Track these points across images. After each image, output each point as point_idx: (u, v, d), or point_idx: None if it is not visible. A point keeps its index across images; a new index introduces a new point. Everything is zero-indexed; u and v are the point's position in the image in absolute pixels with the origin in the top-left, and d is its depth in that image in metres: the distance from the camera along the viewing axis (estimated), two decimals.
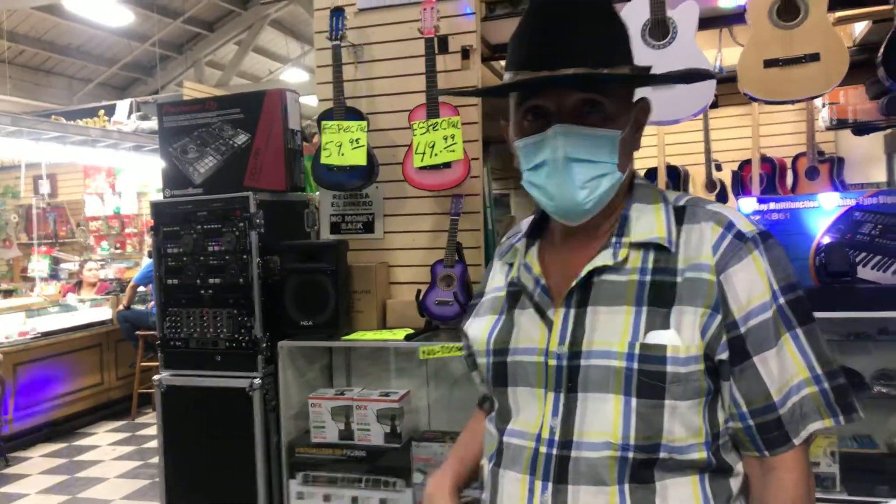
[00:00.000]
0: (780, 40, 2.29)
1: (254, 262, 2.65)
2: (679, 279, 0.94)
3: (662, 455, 0.91)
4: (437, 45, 2.63)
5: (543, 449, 0.95)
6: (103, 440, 5.35)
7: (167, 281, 2.80)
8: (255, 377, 2.65)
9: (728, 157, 4.24)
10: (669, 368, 0.90)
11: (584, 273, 0.97)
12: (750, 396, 0.92)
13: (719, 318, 0.91)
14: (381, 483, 2.51)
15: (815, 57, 2.26)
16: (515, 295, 1.07)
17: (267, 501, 2.67)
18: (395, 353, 2.77)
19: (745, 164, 4.04)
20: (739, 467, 0.96)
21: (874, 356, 2.35)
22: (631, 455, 0.91)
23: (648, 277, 0.95)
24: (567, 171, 0.95)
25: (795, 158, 4.03)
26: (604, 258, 0.97)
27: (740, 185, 4.05)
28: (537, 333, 1.00)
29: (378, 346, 2.69)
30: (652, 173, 4.09)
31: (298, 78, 12.81)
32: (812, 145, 3.89)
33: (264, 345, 2.66)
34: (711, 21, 2.79)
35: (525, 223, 1.14)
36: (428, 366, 2.72)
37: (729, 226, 0.95)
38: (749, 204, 2.43)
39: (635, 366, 0.91)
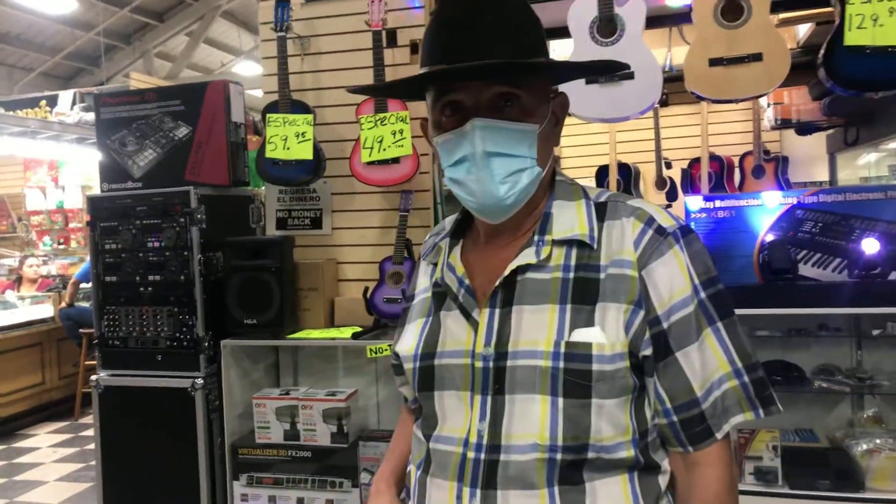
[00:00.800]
0: (725, 40, 2.31)
1: (195, 259, 2.57)
2: (602, 275, 0.93)
3: (591, 455, 0.90)
4: (385, 38, 2.59)
5: (471, 454, 0.93)
6: (44, 442, 5.16)
7: (105, 278, 2.70)
8: (197, 377, 2.57)
9: (678, 155, 4.30)
10: (595, 367, 0.89)
11: (507, 272, 0.95)
12: (673, 392, 0.92)
13: (642, 313, 0.91)
14: (327, 483, 2.46)
15: (757, 57, 2.28)
16: (441, 296, 1.05)
17: (212, 503, 2.60)
18: (342, 351, 2.73)
19: (695, 162, 4.10)
20: (666, 464, 0.96)
21: (814, 352, 2.39)
22: (559, 456, 0.90)
23: (572, 275, 0.94)
24: (486, 166, 0.93)
25: (742, 157, 4.10)
26: (526, 256, 0.95)
27: (690, 182, 4.11)
28: (463, 335, 0.98)
29: (325, 345, 2.64)
30: (603, 171, 4.12)
31: (252, 71, 12.58)
32: (758, 144, 3.96)
33: (206, 344, 2.58)
34: (659, 20, 2.80)
35: (449, 221, 1.13)
36: (377, 364, 2.68)
37: (649, 221, 0.95)
38: (696, 202, 2.45)
39: (561, 364, 0.90)
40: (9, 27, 10.21)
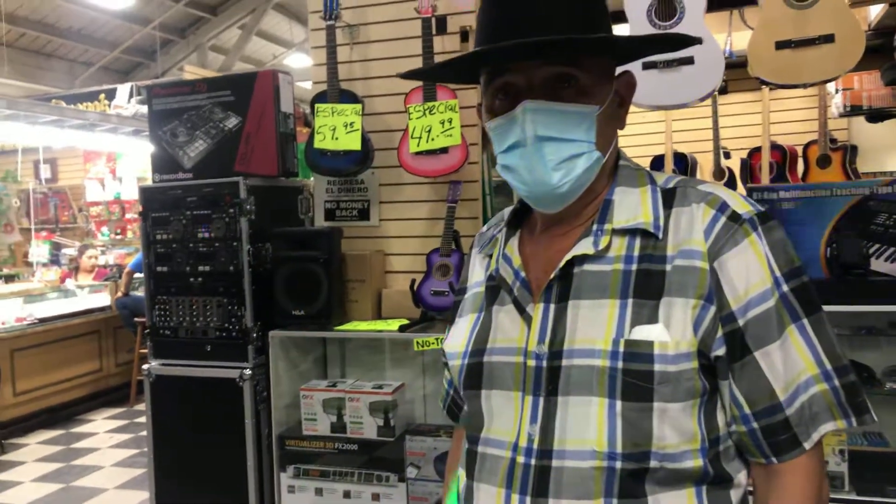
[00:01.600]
0: (793, 21, 2.19)
1: (244, 250, 2.57)
2: (668, 267, 0.85)
3: (653, 464, 0.83)
4: (435, 25, 2.54)
5: (521, 459, 0.87)
6: (101, 427, 5.31)
7: (156, 268, 2.73)
8: (245, 367, 2.58)
9: (737, 144, 4.14)
10: (657, 367, 0.82)
11: (562, 263, 0.89)
12: (753, 396, 0.83)
13: (713, 309, 0.83)
14: (373, 477, 2.44)
15: (829, 38, 2.16)
16: (494, 290, 0.98)
17: (258, 494, 2.61)
18: (389, 343, 2.70)
19: (755, 151, 3.93)
20: (741, 477, 0.87)
21: (885, 351, 2.26)
22: (619, 465, 0.82)
23: (634, 266, 0.86)
24: (538, 152, 0.87)
25: (807, 146, 3.91)
26: (583, 247, 0.89)
27: (749, 173, 3.95)
28: (516, 331, 0.92)
29: (372, 337, 2.62)
30: (658, 160, 4.00)
31: (303, 63, 12.69)
32: (824, 132, 3.77)
33: (255, 335, 2.59)
34: (721, 2, 2.68)
35: (507, 212, 1.06)
36: (424, 357, 2.65)
37: (722, 207, 0.86)
38: (756, 193, 2.33)
39: (620, 364, 0.83)
40: (71, 22, 10.52)
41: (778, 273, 0.83)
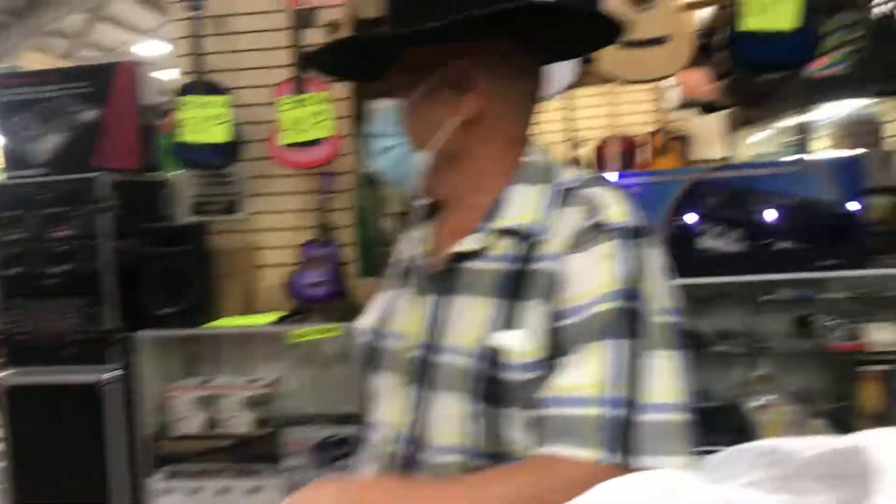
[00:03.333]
0: (634, 22, 2.41)
1: (105, 248, 2.48)
2: (537, 268, 0.83)
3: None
4: (304, 18, 2.56)
5: (397, 447, 0.88)
6: None
7: (8, 270, 2.56)
8: (109, 370, 2.48)
9: (587, 135, 4.44)
10: (509, 375, 0.80)
11: (447, 258, 0.89)
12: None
13: (550, 307, 0.81)
14: (250, 471, 2.45)
15: (663, 40, 2.40)
16: (407, 270, 0.99)
17: (130, 501, 2.53)
18: (264, 338, 2.70)
19: (604, 141, 4.24)
20: None
21: (712, 317, 2.56)
22: (480, 463, 0.82)
23: (512, 266, 0.85)
24: (368, 147, 0.95)
25: (649, 136, 4.27)
26: (467, 244, 0.88)
27: (599, 162, 4.26)
28: (409, 319, 0.92)
29: (245, 332, 2.61)
30: None
31: (157, 50, 12.03)
32: (663, 124, 4.14)
33: (119, 336, 2.50)
34: None
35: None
36: (300, 349, 2.67)
37: (595, 212, 0.82)
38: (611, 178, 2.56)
39: (480, 367, 0.82)
40: None
41: (621, 286, 0.77)
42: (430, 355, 0.87)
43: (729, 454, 0.34)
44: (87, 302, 2.50)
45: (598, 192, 0.85)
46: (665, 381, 0.76)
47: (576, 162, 4.28)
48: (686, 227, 2.40)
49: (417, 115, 0.89)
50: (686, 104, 4.15)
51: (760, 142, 4.51)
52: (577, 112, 4.33)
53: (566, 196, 0.86)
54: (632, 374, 0.75)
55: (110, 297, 2.49)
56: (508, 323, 0.82)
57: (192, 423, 2.47)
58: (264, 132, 2.60)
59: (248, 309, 2.66)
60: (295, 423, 2.45)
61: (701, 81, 4.04)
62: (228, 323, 2.51)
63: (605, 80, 2.54)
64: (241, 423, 2.46)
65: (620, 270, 0.78)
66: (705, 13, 3.60)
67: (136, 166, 2.58)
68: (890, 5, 2.20)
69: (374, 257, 2.68)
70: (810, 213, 2.36)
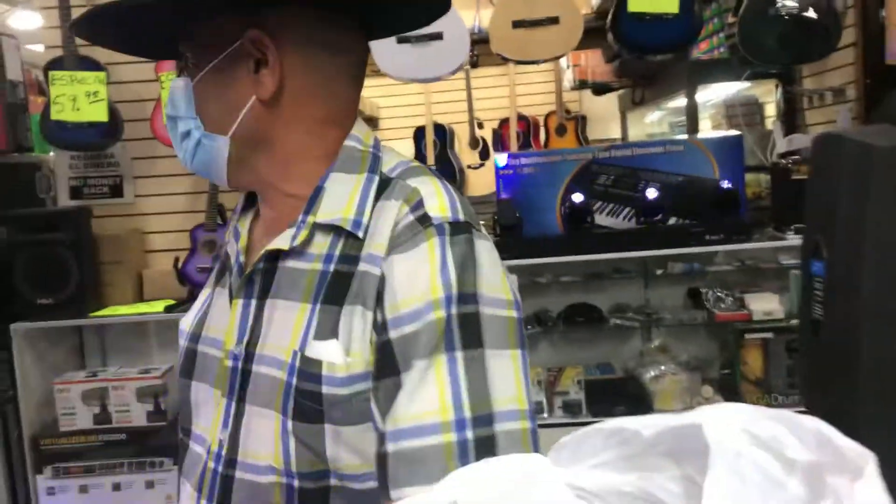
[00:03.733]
0: (526, 3, 2.43)
1: None
2: (357, 269, 0.75)
3: (334, 482, 0.74)
4: None
5: (212, 464, 0.81)
6: None
7: None
8: None
9: (489, 115, 4.48)
10: (325, 390, 0.72)
11: (259, 257, 0.80)
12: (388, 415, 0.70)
13: (371, 315, 0.73)
14: (146, 464, 2.34)
15: (555, 20, 2.43)
16: (224, 268, 0.89)
17: (12, 502, 2.37)
18: (155, 326, 2.58)
19: (504, 122, 4.30)
20: None
21: (610, 293, 2.65)
22: (296, 483, 0.75)
23: (332, 267, 0.76)
24: (169, 131, 0.84)
25: (546, 116, 4.36)
26: (282, 241, 0.78)
27: (500, 142, 4.31)
28: (225, 322, 0.83)
29: (135, 321, 2.48)
30: (420, 131, 4.20)
31: (32, 23, 11.18)
32: (560, 104, 4.23)
33: None
34: None
35: None
36: None
37: (417, 205, 0.74)
38: (503, 159, 2.58)
39: (294, 381, 0.74)
40: None
41: (451, 291, 0.70)
42: (244, 365, 0.79)
43: (578, 436, 0.33)
44: None
45: (418, 183, 0.77)
46: (509, 385, 0.69)
47: (478, 142, 4.32)
48: (581, 205, 2.45)
49: (210, 95, 0.79)
50: (581, 85, 4.26)
51: (652, 122, 4.69)
52: (478, 92, 4.35)
53: (386, 187, 0.78)
54: (473, 387, 0.67)
55: None
56: (327, 331, 0.73)
57: (81, 418, 2.34)
58: (146, 111, 2.46)
59: (138, 297, 2.53)
60: None
61: (594, 63, 4.15)
62: (116, 312, 2.38)
63: (503, 60, 2.55)
64: (134, 415, 2.35)
65: (447, 272, 0.71)
66: None
67: (4, 146, 2.39)
68: None
69: None
70: (696, 190, 2.47)
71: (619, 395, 2.48)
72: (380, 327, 0.71)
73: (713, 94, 3.55)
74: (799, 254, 2.36)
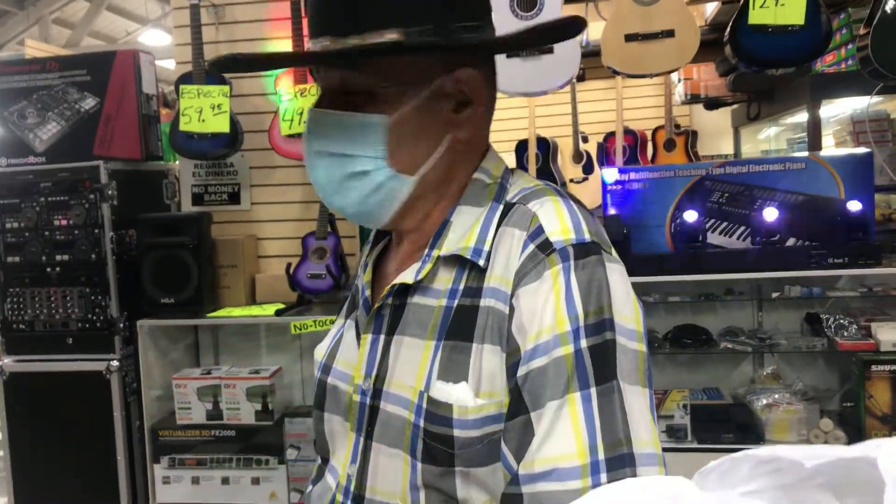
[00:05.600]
0: (640, 16, 2.39)
1: (107, 237, 2.46)
2: (482, 303, 0.71)
3: None
4: (304, 7, 2.53)
5: (340, 497, 0.80)
6: None
7: (7, 258, 2.55)
8: (112, 359, 2.47)
9: (594, 129, 4.41)
10: (457, 433, 0.69)
11: (385, 292, 0.78)
12: (519, 455, 0.66)
13: (506, 355, 0.69)
14: (252, 461, 2.44)
15: (670, 33, 2.36)
16: (354, 299, 0.89)
17: (130, 489, 2.53)
18: (265, 328, 2.69)
19: (610, 136, 4.21)
20: None
21: (720, 315, 2.53)
22: None
23: (456, 302, 0.73)
24: (315, 170, 0.77)
25: (655, 131, 4.25)
26: (408, 275, 0.77)
27: (605, 156, 4.23)
28: (354, 356, 0.82)
29: (247, 323, 2.59)
30: (522, 145, 4.19)
31: (160, 40, 12.00)
32: (669, 118, 4.11)
33: (122, 324, 2.49)
34: None
35: None
36: (301, 340, 2.66)
37: (536, 232, 0.70)
38: (612, 174, 2.53)
39: (422, 423, 0.71)
40: None
41: (579, 322, 0.66)
42: (372, 401, 0.77)
43: (726, 462, 0.32)
44: (89, 290, 2.49)
45: (537, 207, 0.73)
46: (644, 426, 0.65)
47: (582, 156, 4.26)
48: (693, 222, 2.37)
49: (404, 133, 0.74)
50: (692, 99, 4.12)
51: (768, 138, 4.48)
52: (584, 106, 4.30)
53: (506, 213, 0.75)
54: (608, 428, 0.64)
55: (112, 287, 2.48)
56: (453, 370, 0.71)
57: (195, 412, 2.47)
58: (265, 123, 2.58)
59: (251, 299, 2.64)
60: (297, 415, 2.44)
61: (707, 76, 4.01)
62: (230, 313, 2.49)
63: (613, 73, 2.50)
64: (243, 413, 2.45)
65: (573, 301, 0.66)
66: (712, 7, 3.57)
67: (137, 155, 2.56)
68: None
69: None
70: (818, 210, 2.33)
71: (727, 422, 2.37)
72: (511, 367, 0.68)
73: (838, 110, 3.35)
74: None
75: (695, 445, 2.32)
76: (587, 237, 0.70)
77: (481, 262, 0.72)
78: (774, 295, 2.43)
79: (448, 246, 0.75)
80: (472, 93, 0.76)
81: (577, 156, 4.30)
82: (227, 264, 2.61)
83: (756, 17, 2.24)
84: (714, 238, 2.42)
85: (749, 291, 2.50)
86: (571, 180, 4.31)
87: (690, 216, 2.38)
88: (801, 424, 2.26)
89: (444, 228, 0.77)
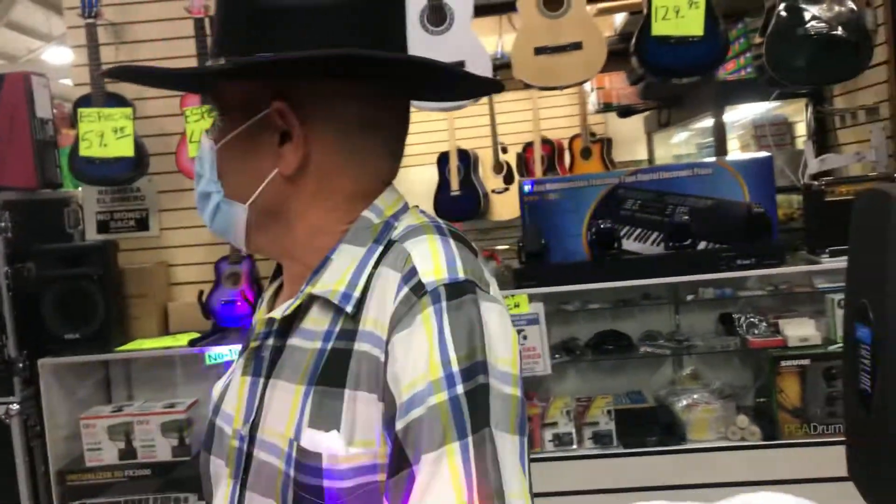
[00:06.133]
0: (548, 29, 2.42)
1: (1, 272, 2.31)
2: (355, 347, 0.69)
3: None
4: (208, 25, 2.45)
5: None
6: None
7: None
8: (11, 402, 2.32)
9: (513, 139, 4.45)
10: (327, 483, 0.67)
11: (259, 331, 0.77)
12: None
13: (383, 406, 0.67)
14: (171, 500, 2.33)
15: (577, 45, 2.40)
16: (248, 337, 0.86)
17: None
18: (180, 359, 2.57)
19: (528, 146, 4.26)
20: None
21: (639, 320, 2.58)
22: None
23: (330, 345, 0.71)
24: (195, 183, 0.80)
25: (571, 140, 4.32)
26: (278, 311, 0.75)
27: (524, 166, 4.28)
28: (235, 400, 0.79)
29: (160, 355, 2.48)
30: (444, 157, 4.19)
31: (65, 58, 11.49)
32: (585, 127, 4.20)
33: (21, 364, 2.34)
34: (487, 8, 2.87)
35: None
36: (218, 370, 2.56)
37: (409, 274, 0.68)
38: (528, 185, 2.55)
39: (292, 473, 0.69)
40: None
41: (453, 367, 0.63)
42: (248, 447, 0.74)
43: None
44: None
45: (412, 246, 0.70)
46: (515, 477, 0.63)
47: (502, 166, 4.29)
48: (607, 230, 2.41)
49: (233, 161, 0.75)
50: (605, 107, 4.22)
51: (679, 142, 4.63)
52: (502, 117, 4.34)
53: (385, 252, 0.72)
54: (485, 479, 0.61)
55: (8, 324, 2.32)
56: (323, 417, 0.68)
57: (106, 452, 2.34)
58: (172, 145, 2.49)
59: (163, 329, 2.53)
60: None
61: (619, 85, 4.12)
62: (141, 346, 2.38)
63: (526, 85, 2.53)
64: (159, 450, 2.34)
65: (445, 345, 0.64)
66: (621, 17, 3.67)
67: (33, 183, 2.42)
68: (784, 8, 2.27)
69: None
70: (726, 213, 2.41)
71: (651, 425, 2.41)
72: (387, 418, 0.65)
73: (741, 115, 3.50)
74: (834, 277, 2.30)
75: (620, 450, 2.35)
76: (460, 276, 0.67)
77: (348, 309, 0.70)
78: (689, 297, 2.50)
79: (321, 285, 0.73)
80: (290, 125, 0.72)
81: (498, 167, 4.33)
82: (137, 294, 2.50)
83: (658, 28, 2.31)
84: (629, 245, 2.47)
85: (665, 295, 2.56)
86: (493, 191, 4.34)
87: (605, 224, 2.42)
88: (719, 423, 2.32)
89: (323, 265, 0.74)
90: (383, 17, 0.75)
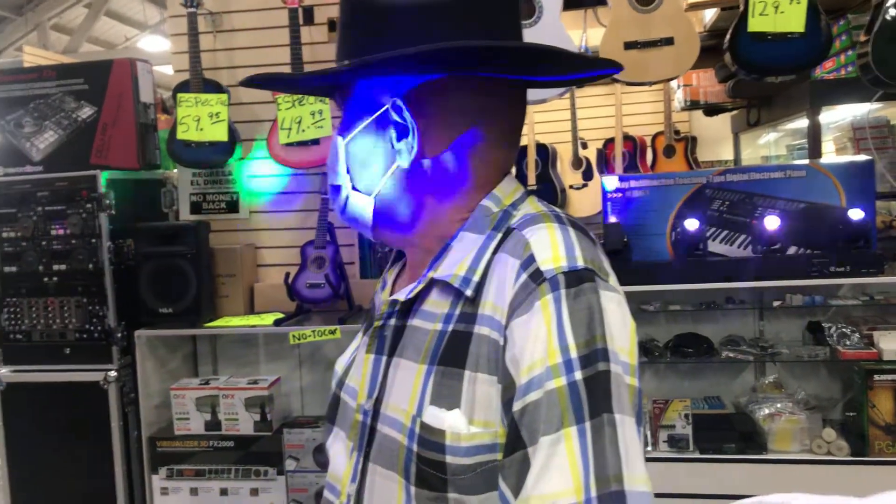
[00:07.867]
0: (638, 24, 2.38)
1: (104, 247, 2.45)
2: (475, 330, 0.71)
3: None
4: (302, 15, 2.52)
5: None
6: None
7: (4, 268, 2.54)
8: (109, 369, 2.46)
9: (593, 135, 4.39)
10: (449, 459, 0.68)
11: (383, 311, 0.81)
12: (517, 492, 0.64)
13: (502, 388, 0.68)
14: (251, 472, 2.42)
15: (669, 41, 2.36)
16: (370, 317, 0.91)
17: (128, 499, 2.51)
18: (264, 338, 2.67)
19: (609, 142, 4.20)
20: None
21: (721, 324, 2.52)
22: None
23: (450, 327, 0.73)
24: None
25: (654, 137, 4.24)
26: (402, 293, 0.78)
27: (604, 162, 4.22)
28: (359, 375, 0.83)
29: (245, 332, 2.58)
30: (522, 152, 4.18)
31: (159, 46, 11.99)
32: (669, 125, 4.10)
33: (119, 335, 2.47)
34: (576, 2, 2.85)
35: None
36: (300, 350, 2.64)
37: (528, 261, 0.69)
38: (612, 182, 2.52)
39: (415, 448, 0.71)
40: None
41: (572, 354, 0.64)
42: (372, 422, 0.78)
43: None
44: (87, 300, 2.47)
45: (530, 234, 0.71)
46: (638, 461, 0.63)
47: (581, 162, 4.25)
48: (693, 231, 2.36)
49: (358, 155, 0.79)
50: (691, 105, 4.11)
51: (767, 143, 4.47)
52: (583, 112, 4.28)
53: (504, 239, 0.74)
54: (602, 463, 0.62)
55: (109, 297, 2.46)
56: (445, 396, 0.70)
57: (193, 422, 2.45)
58: (264, 131, 2.57)
59: (249, 309, 2.63)
60: (295, 425, 2.42)
61: (706, 82, 4.00)
62: (229, 323, 2.48)
63: (611, 80, 2.49)
64: (241, 423, 2.44)
65: (564, 332, 0.65)
66: (711, 13, 3.56)
67: (135, 164, 2.55)
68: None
69: (376, 258, 2.65)
70: (820, 218, 2.32)
71: (728, 432, 2.35)
72: (508, 401, 0.66)
73: (838, 116, 3.34)
74: None
75: (696, 455, 2.30)
76: (580, 264, 0.68)
77: (468, 293, 0.72)
78: (776, 303, 2.42)
79: (443, 270, 0.76)
80: (406, 120, 0.76)
81: (577, 162, 4.28)
82: (226, 273, 2.59)
83: (755, 24, 2.23)
84: (715, 246, 2.41)
85: (750, 300, 2.49)
86: (571, 186, 4.29)
87: (691, 224, 2.37)
88: (804, 434, 2.24)
89: (444, 252, 0.78)
90: (497, 8, 0.76)
